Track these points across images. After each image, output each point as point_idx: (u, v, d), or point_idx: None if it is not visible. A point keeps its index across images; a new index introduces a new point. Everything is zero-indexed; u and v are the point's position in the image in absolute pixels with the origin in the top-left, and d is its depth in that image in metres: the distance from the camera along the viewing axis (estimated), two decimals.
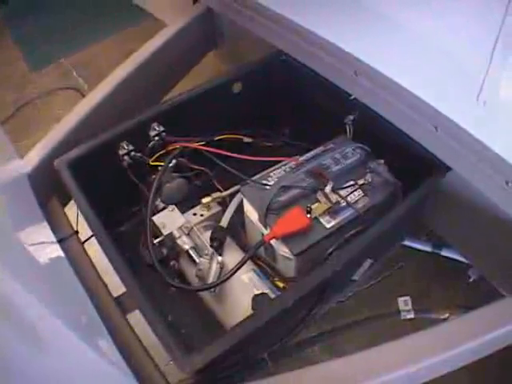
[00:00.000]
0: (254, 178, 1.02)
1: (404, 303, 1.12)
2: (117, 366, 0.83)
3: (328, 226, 0.94)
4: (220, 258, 0.96)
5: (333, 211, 0.96)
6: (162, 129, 1.11)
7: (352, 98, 1.05)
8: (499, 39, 0.81)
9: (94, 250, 0.99)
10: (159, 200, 1.08)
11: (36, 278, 0.86)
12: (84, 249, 1.05)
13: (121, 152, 1.09)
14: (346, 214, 0.96)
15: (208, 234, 1.05)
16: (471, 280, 1.32)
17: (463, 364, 0.81)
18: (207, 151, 1.08)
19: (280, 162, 1.06)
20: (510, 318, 0.80)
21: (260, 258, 1.06)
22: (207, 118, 1.16)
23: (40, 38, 2.59)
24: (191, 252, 1.00)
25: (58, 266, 1.00)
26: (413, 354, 0.79)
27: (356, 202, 0.97)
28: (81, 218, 0.99)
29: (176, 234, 1.02)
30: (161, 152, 1.10)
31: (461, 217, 1.09)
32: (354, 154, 1.06)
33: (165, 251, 1.03)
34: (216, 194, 1.10)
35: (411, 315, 1.11)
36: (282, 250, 0.95)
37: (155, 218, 1.03)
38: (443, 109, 0.85)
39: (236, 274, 0.91)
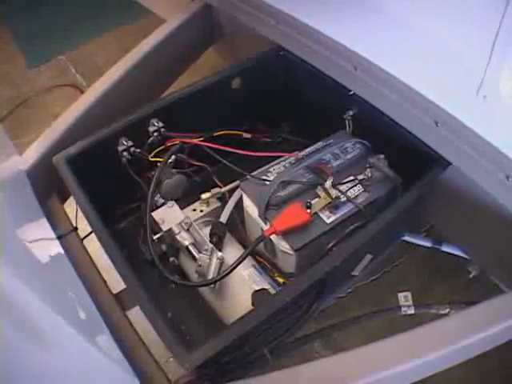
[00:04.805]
0: (254, 173, 1.02)
1: (404, 298, 1.12)
2: (117, 362, 0.83)
3: (328, 221, 0.94)
4: (220, 254, 0.96)
5: (333, 206, 0.96)
6: (161, 125, 1.10)
7: (351, 93, 1.04)
8: (499, 33, 0.81)
9: (94, 246, 0.99)
10: (158, 196, 1.08)
11: (36, 274, 0.86)
12: (83, 245, 1.05)
13: (120, 148, 1.08)
14: (346, 209, 0.96)
15: (207, 229, 1.05)
16: (471, 275, 1.32)
17: (464, 359, 0.81)
18: (207, 147, 1.08)
19: (279, 157, 1.06)
20: (511, 313, 0.80)
21: (260, 254, 1.06)
22: (206, 113, 1.16)
23: (38, 35, 2.58)
24: (191, 248, 1.00)
25: (58, 262, 0.99)
26: (413, 349, 0.79)
27: (356, 197, 0.97)
28: (80, 215, 0.99)
29: (175, 229, 1.01)
30: (160, 148, 1.10)
31: (461, 212, 1.08)
32: (354, 149, 1.06)
33: (164, 247, 1.03)
34: (215, 190, 1.10)
35: (411, 311, 1.11)
36: (282, 245, 0.95)
37: (154, 214, 1.03)
38: (443, 103, 0.85)
39: (236, 270, 0.91)
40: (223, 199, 1.11)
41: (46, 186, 1.12)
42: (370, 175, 1.00)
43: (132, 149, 1.09)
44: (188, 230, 1.02)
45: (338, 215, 0.95)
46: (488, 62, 0.84)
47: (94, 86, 1.24)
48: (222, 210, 1.08)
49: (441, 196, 1.07)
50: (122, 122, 1.08)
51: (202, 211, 1.09)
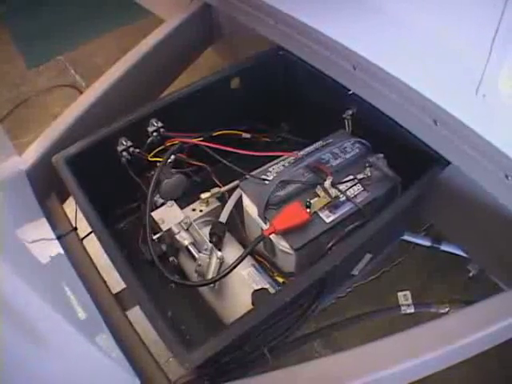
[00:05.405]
0: (253, 173, 1.02)
1: (404, 298, 1.12)
2: (117, 362, 0.83)
3: (327, 220, 0.94)
4: (219, 254, 0.96)
5: (332, 206, 0.95)
6: (160, 125, 1.11)
7: (350, 92, 1.04)
8: (498, 32, 0.81)
9: (94, 246, 0.99)
10: (158, 196, 1.08)
11: (36, 274, 0.86)
12: (83, 245, 1.05)
13: (119, 148, 1.08)
14: (346, 208, 0.96)
15: (207, 229, 1.05)
16: (471, 274, 1.32)
17: (463, 359, 0.81)
18: (206, 147, 1.08)
19: (279, 157, 1.06)
20: (510, 311, 0.80)
21: (259, 253, 1.06)
22: (206, 113, 1.16)
23: (38, 35, 2.58)
24: (190, 247, 1.00)
25: (58, 262, 0.99)
26: (412, 348, 0.79)
27: (355, 196, 0.97)
28: (79, 215, 0.99)
29: (175, 229, 1.01)
30: (159, 148, 1.10)
31: (460, 211, 1.08)
32: (353, 149, 1.06)
33: (164, 247, 1.03)
34: (215, 190, 1.10)
35: (411, 310, 1.11)
36: (282, 244, 0.95)
37: (154, 214, 1.03)
38: (442, 102, 0.85)
39: (235, 270, 0.91)
40: (223, 199, 1.11)
41: (45, 186, 1.11)
42: (369, 174, 1.00)
43: (131, 149, 1.09)
44: (188, 229, 1.02)
45: (337, 214, 0.95)
46: (487, 60, 0.84)
47: (94, 86, 1.24)
48: (222, 210, 1.08)
49: (440, 195, 1.07)
50: (121, 121, 1.08)
51: (201, 211, 1.09)
